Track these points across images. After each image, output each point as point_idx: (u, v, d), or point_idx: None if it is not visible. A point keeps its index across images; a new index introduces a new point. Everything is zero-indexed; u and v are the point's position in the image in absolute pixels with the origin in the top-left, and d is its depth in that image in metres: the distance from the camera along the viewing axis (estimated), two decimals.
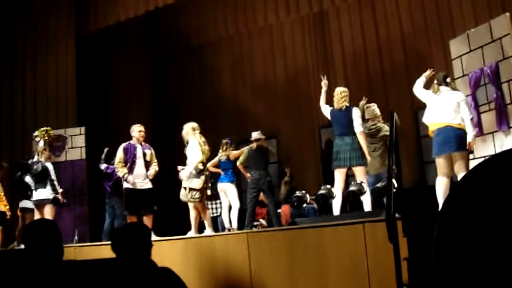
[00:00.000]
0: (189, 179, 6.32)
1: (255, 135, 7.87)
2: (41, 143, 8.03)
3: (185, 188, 6.42)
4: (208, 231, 6.46)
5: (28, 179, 7.51)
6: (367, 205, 6.00)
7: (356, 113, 6.23)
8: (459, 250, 0.56)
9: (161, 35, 12.30)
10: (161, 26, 12.24)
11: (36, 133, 8.34)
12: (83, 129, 8.94)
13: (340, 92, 6.36)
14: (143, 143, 6.98)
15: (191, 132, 6.55)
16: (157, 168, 7.04)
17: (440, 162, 5.28)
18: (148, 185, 6.90)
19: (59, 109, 9.69)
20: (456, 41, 6.50)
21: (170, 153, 10.58)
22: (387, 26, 10.11)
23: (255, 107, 11.41)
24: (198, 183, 6.30)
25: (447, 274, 0.57)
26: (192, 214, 6.50)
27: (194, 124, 6.66)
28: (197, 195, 6.30)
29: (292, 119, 10.93)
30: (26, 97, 9.58)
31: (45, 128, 8.36)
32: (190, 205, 6.52)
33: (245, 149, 7.91)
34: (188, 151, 6.52)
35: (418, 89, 5.68)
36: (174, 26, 11.83)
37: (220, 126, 10.91)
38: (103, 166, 8.39)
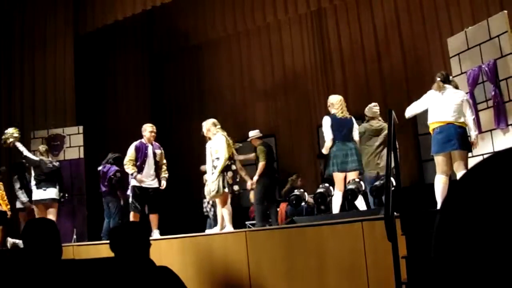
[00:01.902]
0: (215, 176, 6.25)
1: (252, 133, 7.90)
2: (39, 146, 7.99)
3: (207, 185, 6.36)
4: (217, 228, 6.41)
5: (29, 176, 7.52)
6: (365, 204, 6.01)
7: (355, 123, 6.36)
8: (458, 249, 0.56)
9: (159, 34, 12.29)
10: (159, 25, 12.23)
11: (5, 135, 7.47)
12: (81, 128, 8.91)
13: (340, 100, 6.35)
14: (153, 142, 7.01)
15: (213, 128, 6.47)
16: (167, 176, 7.08)
17: (440, 160, 5.26)
18: (155, 184, 6.95)
19: (57, 108, 9.66)
20: (454, 39, 6.49)
21: (168, 153, 10.58)
22: (385, 24, 10.11)
23: (254, 107, 11.40)
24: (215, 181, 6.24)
25: (447, 273, 0.57)
26: (220, 212, 6.44)
27: (214, 120, 6.59)
28: (215, 186, 6.20)
29: (291, 118, 10.92)
30: (25, 97, 9.56)
31: (12, 131, 7.47)
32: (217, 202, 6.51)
33: (261, 147, 7.71)
34: (215, 147, 6.37)
35: (413, 107, 5.50)
36: (172, 25, 11.82)
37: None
38: (100, 167, 8.38)
